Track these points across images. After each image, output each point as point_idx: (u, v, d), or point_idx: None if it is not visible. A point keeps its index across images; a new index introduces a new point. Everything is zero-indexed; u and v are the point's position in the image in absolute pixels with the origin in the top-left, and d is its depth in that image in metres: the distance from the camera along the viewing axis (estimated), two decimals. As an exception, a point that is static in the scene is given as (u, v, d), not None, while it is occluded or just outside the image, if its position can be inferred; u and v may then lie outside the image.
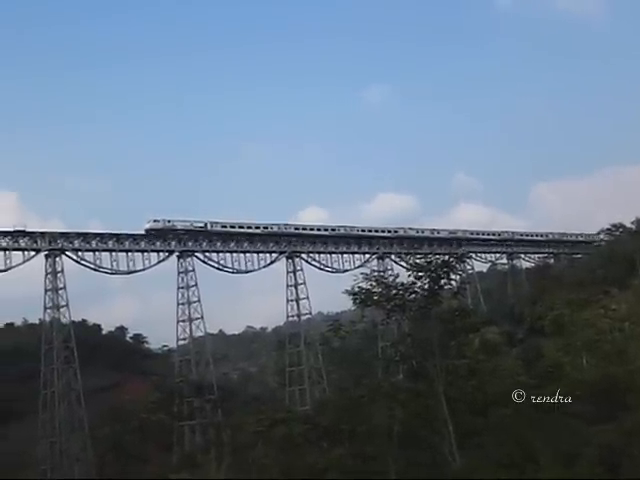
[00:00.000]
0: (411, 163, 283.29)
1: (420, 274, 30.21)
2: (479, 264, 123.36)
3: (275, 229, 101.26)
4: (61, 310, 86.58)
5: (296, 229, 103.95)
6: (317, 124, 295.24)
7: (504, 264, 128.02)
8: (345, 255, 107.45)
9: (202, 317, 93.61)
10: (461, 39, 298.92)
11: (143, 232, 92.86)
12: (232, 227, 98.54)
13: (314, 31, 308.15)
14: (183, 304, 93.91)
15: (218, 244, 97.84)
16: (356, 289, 30.76)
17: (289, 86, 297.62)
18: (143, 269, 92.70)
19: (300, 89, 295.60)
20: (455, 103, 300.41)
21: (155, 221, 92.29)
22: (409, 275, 31.41)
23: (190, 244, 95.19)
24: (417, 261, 32.01)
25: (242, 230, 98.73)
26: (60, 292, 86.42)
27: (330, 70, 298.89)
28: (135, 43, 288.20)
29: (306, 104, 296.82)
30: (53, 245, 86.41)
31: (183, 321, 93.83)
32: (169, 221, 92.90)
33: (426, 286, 30.12)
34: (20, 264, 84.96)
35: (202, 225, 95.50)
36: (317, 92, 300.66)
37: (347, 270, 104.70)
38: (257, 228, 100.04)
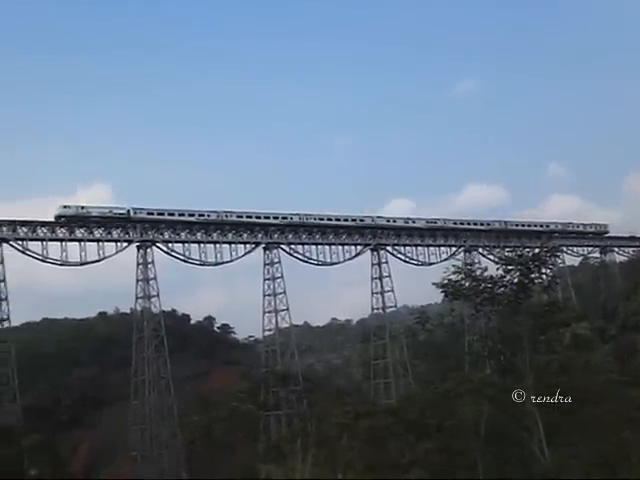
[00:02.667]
0: (502, 154, 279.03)
1: (510, 267, 29.52)
2: (570, 257, 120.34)
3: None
4: (152, 300, 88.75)
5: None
6: (404, 117, 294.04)
7: (596, 258, 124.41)
8: (431, 248, 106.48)
9: (288, 308, 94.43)
10: (547, 29, 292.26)
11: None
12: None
13: (402, 25, 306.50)
14: (269, 295, 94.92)
15: (303, 236, 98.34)
16: (445, 281, 30.29)
17: (375, 78, 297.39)
18: (230, 260, 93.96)
19: (385, 82, 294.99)
20: (547, 93, 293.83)
21: (65, 207, 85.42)
22: (497, 268, 30.77)
23: (276, 236, 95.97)
24: (507, 254, 31.28)
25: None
26: (151, 282, 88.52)
27: (416, 63, 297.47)
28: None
29: (392, 97, 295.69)
30: (144, 236, 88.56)
31: (269, 312, 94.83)
32: (82, 207, 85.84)
33: (516, 280, 29.43)
34: (113, 255, 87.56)
35: (123, 212, 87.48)
36: (404, 85, 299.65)
37: (433, 263, 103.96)
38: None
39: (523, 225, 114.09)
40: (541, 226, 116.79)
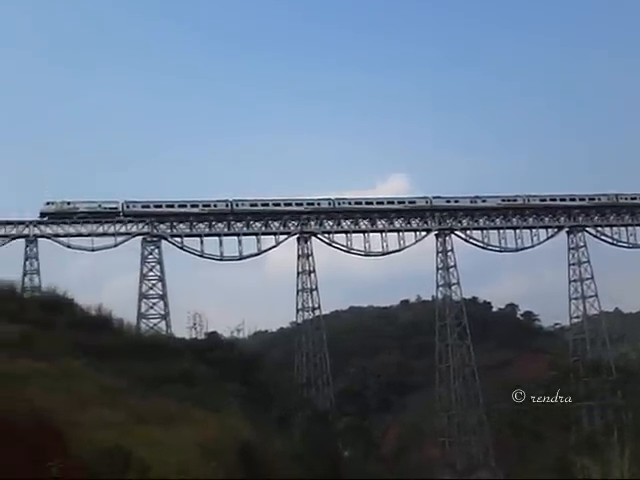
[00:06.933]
0: None
1: None
2: None
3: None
4: (452, 288, 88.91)
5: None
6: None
7: None
8: None
9: (596, 295, 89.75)
10: None
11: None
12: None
13: None
14: (575, 281, 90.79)
15: (611, 217, 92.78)
16: None
17: None
18: (532, 246, 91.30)
19: None
20: None
21: (49, 203, 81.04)
22: None
23: (580, 219, 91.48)
24: None
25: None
26: (451, 270, 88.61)
27: None
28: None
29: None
30: (442, 225, 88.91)
31: (576, 299, 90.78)
32: (69, 203, 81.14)
33: None
34: (412, 244, 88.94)
35: (114, 206, 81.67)
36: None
37: None
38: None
39: None
40: None
